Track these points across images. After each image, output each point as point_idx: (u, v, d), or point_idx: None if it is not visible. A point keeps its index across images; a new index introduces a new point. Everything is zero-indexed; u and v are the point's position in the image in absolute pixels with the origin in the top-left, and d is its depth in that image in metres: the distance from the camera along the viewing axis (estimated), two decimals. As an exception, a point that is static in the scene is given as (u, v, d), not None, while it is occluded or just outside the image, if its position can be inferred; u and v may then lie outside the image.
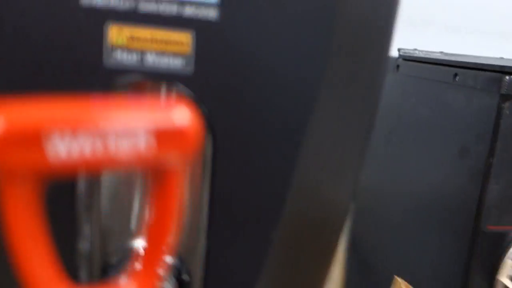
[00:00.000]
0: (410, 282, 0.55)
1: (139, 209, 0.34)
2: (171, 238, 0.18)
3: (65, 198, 0.28)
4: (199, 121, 0.16)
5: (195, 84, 0.26)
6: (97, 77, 0.25)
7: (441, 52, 0.72)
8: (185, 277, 0.34)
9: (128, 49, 0.25)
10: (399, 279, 0.53)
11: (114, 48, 0.25)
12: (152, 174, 0.17)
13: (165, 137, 0.15)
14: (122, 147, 0.15)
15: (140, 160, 0.15)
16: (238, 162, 0.28)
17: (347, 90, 0.28)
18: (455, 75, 0.55)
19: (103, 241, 0.34)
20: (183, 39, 0.25)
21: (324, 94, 0.27)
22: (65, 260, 0.31)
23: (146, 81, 0.26)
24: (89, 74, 0.25)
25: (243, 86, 0.26)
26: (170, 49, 0.25)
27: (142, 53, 0.25)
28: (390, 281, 0.55)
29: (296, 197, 0.30)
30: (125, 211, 0.34)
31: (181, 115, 0.16)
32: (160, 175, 0.16)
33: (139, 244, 0.34)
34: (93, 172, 0.16)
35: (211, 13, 0.25)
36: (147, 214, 0.34)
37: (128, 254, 0.34)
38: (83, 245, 0.32)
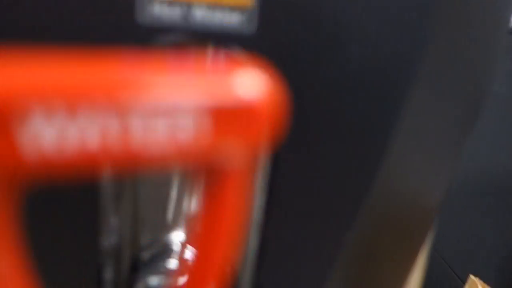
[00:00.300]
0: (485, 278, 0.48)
1: (177, 196, 0.29)
2: (227, 251, 0.13)
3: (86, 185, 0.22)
4: (278, 93, 0.10)
5: (257, 46, 0.19)
6: (128, 37, 0.19)
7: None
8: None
9: (169, 1, 0.19)
10: (474, 279, 0.46)
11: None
12: (204, 173, 0.11)
13: (225, 117, 0.09)
14: (155, 134, 0.09)
15: (184, 154, 0.09)
16: (306, 147, 0.22)
17: (452, 71, 0.22)
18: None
19: (134, 234, 0.29)
20: (243, -13, 0.19)
21: (423, 73, 0.20)
22: (86, 258, 0.26)
23: (192, 42, 0.20)
24: (118, 32, 0.19)
25: (322, 51, 0.19)
26: (226, 1, 0.19)
27: (188, 6, 0.19)
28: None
29: (377, 196, 0.23)
30: (160, 199, 0.29)
31: (251, 82, 0.10)
32: (216, 176, 0.10)
33: (177, 237, 0.28)
34: (104, 172, 0.10)
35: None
36: (193, 210, 0.29)
37: (164, 249, 0.28)
38: (110, 240, 0.27)
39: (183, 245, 0.28)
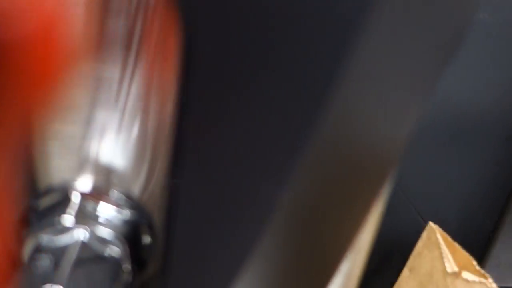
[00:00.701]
0: (441, 217, 0.46)
1: (84, 134, 0.23)
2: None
3: None
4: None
5: None
6: None
7: None
8: (145, 239, 0.23)
9: None
10: (433, 226, 0.43)
11: None
12: None
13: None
14: None
15: None
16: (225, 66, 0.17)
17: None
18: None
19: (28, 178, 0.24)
20: None
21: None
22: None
23: None
24: None
25: None
26: None
27: None
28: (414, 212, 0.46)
29: (326, 138, 0.18)
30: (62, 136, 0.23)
31: None
32: None
33: (80, 186, 0.23)
34: None
35: None
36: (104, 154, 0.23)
37: (62, 199, 0.23)
38: None
39: (84, 196, 0.23)
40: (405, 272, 0.46)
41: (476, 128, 0.59)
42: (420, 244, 0.45)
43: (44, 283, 0.18)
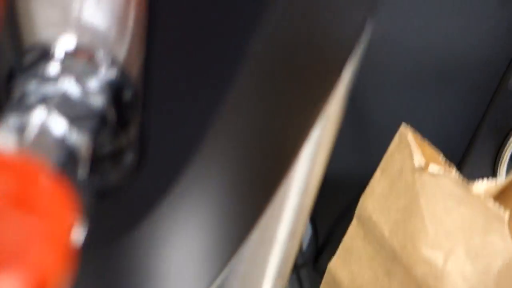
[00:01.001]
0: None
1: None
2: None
3: None
4: None
5: None
6: None
7: None
8: (126, 94, 0.24)
9: None
10: (405, 126, 0.45)
11: None
12: None
13: None
14: None
15: None
16: None
17: None
18: None
19: (12, 36, 0.24)
20: None
21: None
22: None
23: None
24: None
25: None
26: None
27: None
28: (392, 131, 0.47)
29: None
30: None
31: None
32: None
33: (62, 42, 0.23)
34: None
35: None
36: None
37: (44, 53, 0.23)
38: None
39: (69, 53, 0.24)
40: (377, 173, 0.48)
41: (451, 57, 0.60)
42: (392, 146, 0.46)
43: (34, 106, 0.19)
